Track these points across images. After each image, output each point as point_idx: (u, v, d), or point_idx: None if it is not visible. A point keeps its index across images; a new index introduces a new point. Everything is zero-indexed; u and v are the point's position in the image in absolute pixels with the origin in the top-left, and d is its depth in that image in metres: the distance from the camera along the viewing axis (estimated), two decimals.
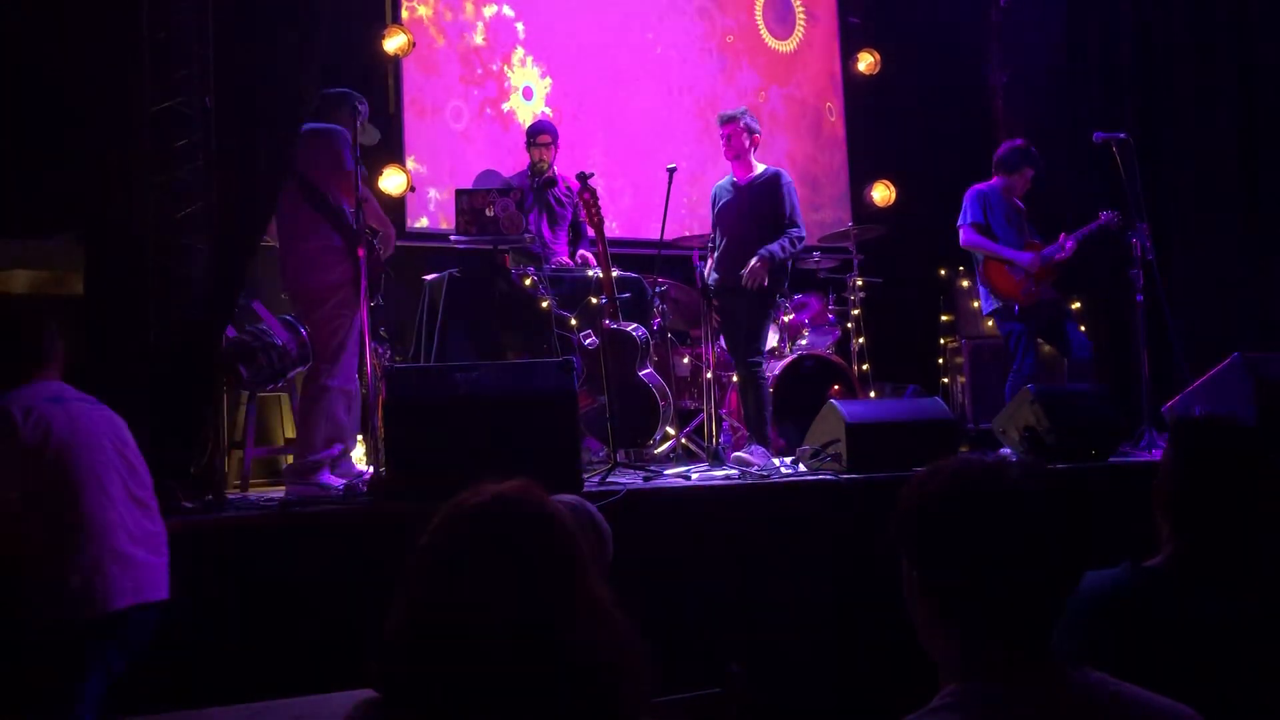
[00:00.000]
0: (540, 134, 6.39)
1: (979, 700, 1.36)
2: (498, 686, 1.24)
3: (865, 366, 6.64)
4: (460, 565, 1.29)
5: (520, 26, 7.39)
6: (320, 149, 4.61)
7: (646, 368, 5.67)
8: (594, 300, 5.72)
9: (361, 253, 4.59)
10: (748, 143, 5.61)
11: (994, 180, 6.17)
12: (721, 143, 5.67)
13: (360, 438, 5.18)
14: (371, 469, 4.56)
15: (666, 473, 4.82)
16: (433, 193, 7.04)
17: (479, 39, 7.27)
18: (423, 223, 7.02)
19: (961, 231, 6.12)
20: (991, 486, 1.40)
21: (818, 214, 8.12)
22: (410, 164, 6.89)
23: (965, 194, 6.17)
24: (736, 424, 6.23)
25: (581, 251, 6.44)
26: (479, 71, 7.26)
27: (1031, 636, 1.39)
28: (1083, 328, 6.53)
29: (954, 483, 1.42)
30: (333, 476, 4.56)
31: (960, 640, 1.40)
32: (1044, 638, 1.40)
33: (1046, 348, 6.28)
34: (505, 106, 7.30)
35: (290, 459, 4.92)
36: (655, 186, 6.68)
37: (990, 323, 6.50)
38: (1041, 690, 1.36)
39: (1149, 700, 1.40)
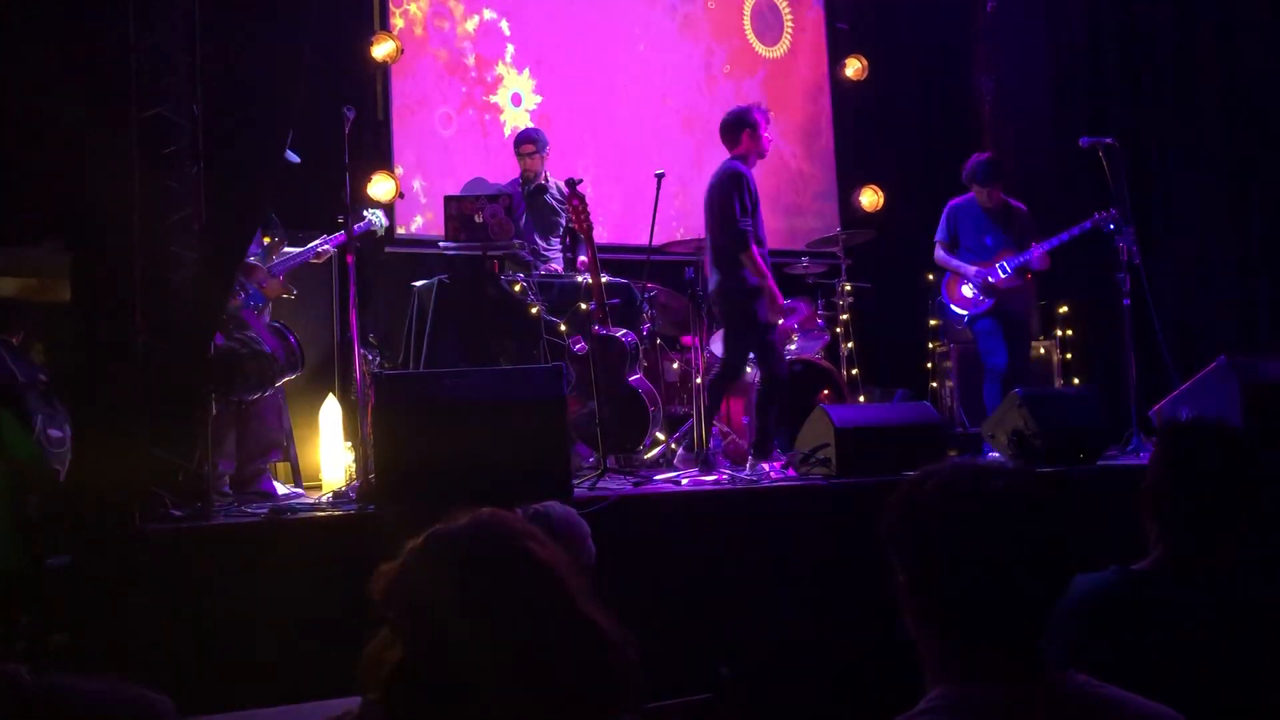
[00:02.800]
0: (523, 144, 6.40)
1: (966, 703, 1.36)
2: (487, 707, 1.26)
3: (854, 371, 6.66)
4: (437, 598, 1.32)
5: (509, 33, 7.39)
6: None
7: (636, 373, 5.67)
8: (583, 306, 5.72)
9: (351, 259, 4.61)
10: None
11: (969, 193, 6.28)
12: (772, 138, 5.68)
13: (349, 444, 5.19)
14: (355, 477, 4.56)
15: (656, 478, 4.81)
16: (418, 185, 7.03)
17: (468, 46, 7.27)
18: (417, 223, 7.02)
19: (935, 249, 6.30)
20: (979, 494, 1.41)
21: (805, 219, 8.14)
22: (399, 170, 6.88)
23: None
24: (727, 429, 6.23)
25: (581, 259, 6.45)
26: (468, 78, 7.26)
27: (1018, 641, 1.39)
28: (1069, 332, 6.59)
29: (943, 489, 1.43)
30: (276, 484, 4.70)
31: (948, 643, 1.41)
32: (1031, 642, 1.40)
33: (1040, 350, 6.38)
34: (494, 113, 7.30)
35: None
36: (644, 192, 6.68)
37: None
38: (1028, 693, 1.37)
39: (1133, 703, 1.40)
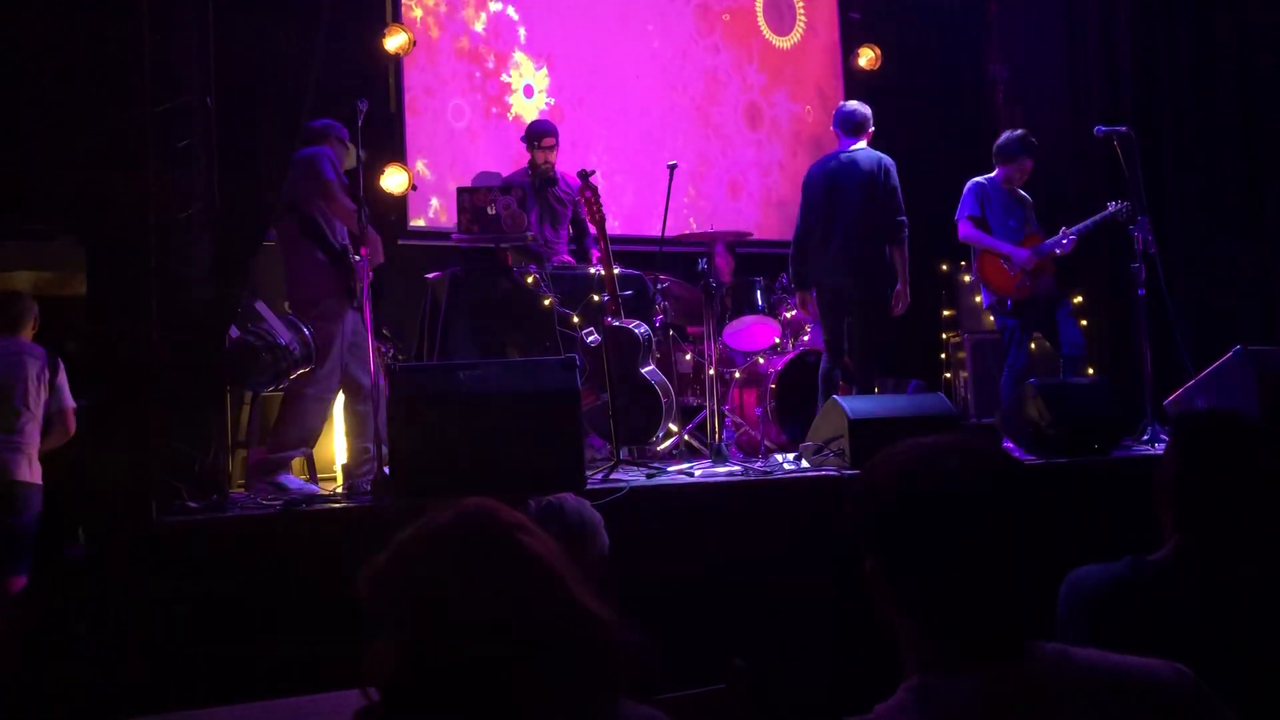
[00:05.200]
0: (545, 136, 6.37)
1: (936, 694, 1.34)
2: (482, 699, 1.26)
3: None
4: (427, 591, 1.31)
5: (520, 24, 7.39)
6: (301, 172, 4.87)
7: (649, 365, 5.67)
8: (596, 298, 5.73)
9: (365, 252, 4.62)
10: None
11: (994, 172, 6.18)
12: None
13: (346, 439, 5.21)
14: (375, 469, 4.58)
15: (669, 470, 4.82)
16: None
17: (480, 38, 7.27)
18: (432, 212, 7.03)
19: (959, 225, 6.14)
20: (933, 473, 1.37)
21: None
22: (412, 162, 6.89)
23: (965, 186, 6.18)
24: (740, 420, 6.24)
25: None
26: (480, 70, 7.26)
27: (989, 623, 1.36)
28: (1084, 323, 6.52)
29: (898, 470, 1.40)
30: (292, 478, 4.75)
31: (919, 628, 1.38)
32: (1003, 623, 1.36)
33: (1045, 343, 6.29)
34: (506, 105, 7.30)
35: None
36: (656, 183, 6.68)
37: (991, 317, 6.52)
38: (1005, 673, 1.34)
39: (1113, 662, 1.37)
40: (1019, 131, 6.17)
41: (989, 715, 1.32)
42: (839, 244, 5.58)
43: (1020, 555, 1.37)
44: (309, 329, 5.20)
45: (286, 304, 5.16)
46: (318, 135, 5.02)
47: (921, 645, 1.38)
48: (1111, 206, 5.91)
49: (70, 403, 5.07)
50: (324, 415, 4.97)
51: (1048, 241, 5.95)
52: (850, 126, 5.74)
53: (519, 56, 7.37)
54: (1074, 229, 5.94)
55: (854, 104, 5.86)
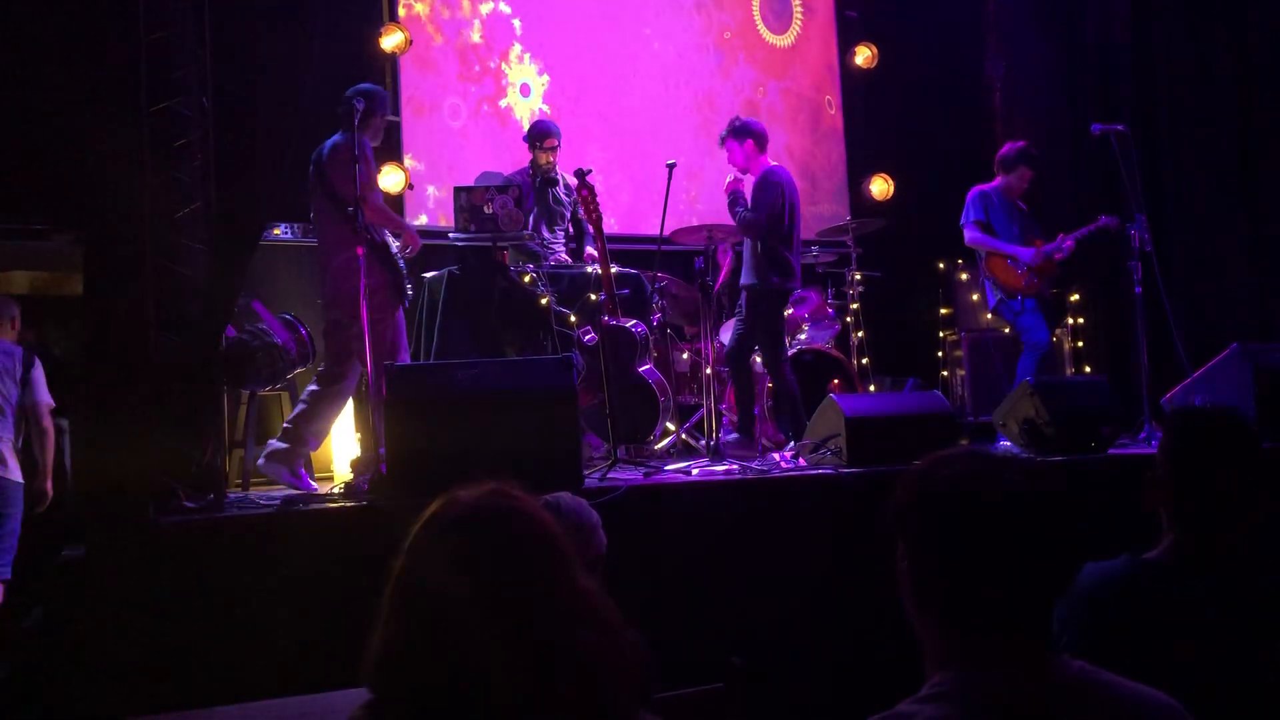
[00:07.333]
0: (547, 137, 6.35)
1: (967, 690, 1.36)
2: (487, 692, 1.26)
3: (864, 360, 6.65)
4: (440, 578, 1.31)
5: (517, 23, 7.38)
6: (337, 161, 4.77)
7: (646, 364, 5.67)
8: (593, 297, 5.73)
9: (361, 251, 4.60)
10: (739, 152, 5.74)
11: (995, 180, 6.23)
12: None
13: (358, 436, 5.21)
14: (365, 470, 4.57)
15: (667, 468, 4.82)
16: (431, 190, 7.04)
17: (476, 36, 7.26)
18: (421, 220, 7.02)
19: (965, 231, 6.18)
20: (992, 489, 1.40)
21: (816, 208, 8.11)
22: (408, 162, 6.88)
23: (968, 194, 6.22)
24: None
25: (589, 251, 6.44)
26: (476, 69, 7.25)
27: (1022, 630, 1.39)
28: (1080, 320, 6.54)
29: (955, 482, 1.42)
30: (305, 473, 4.78)
31: (949, 631, 1.40)
32: (1034, 632, 1.40)
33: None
34: (503, 103, 7.29)
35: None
36: (654, 182, 6.68)
37: (990, 316, 6.54)
38: (1028, 680, 1.36)
39: (1129, 689, 1.40)
40: (1021, 143, 6.25)
41: (1015, 712, 1.34)
42: (799, 246, 5.77)
43: (1068, 570, 1.42)
44: (305, 328, 5.19)
45: (321, 301, 5.00)
46: (365, 111, 4.74)
47: (949, 646, 1.40)
48: (1103, 220, 6.01)
49: (45, 398, 4.96)
50: (339, 412, 4.99)
51: (1048, 245, 6.03)
52: (766, 144, 5.81)
53: (516, 55, 7.37)
54: (1071, 236, 6.03)
55: (758, 122, 5.96)
